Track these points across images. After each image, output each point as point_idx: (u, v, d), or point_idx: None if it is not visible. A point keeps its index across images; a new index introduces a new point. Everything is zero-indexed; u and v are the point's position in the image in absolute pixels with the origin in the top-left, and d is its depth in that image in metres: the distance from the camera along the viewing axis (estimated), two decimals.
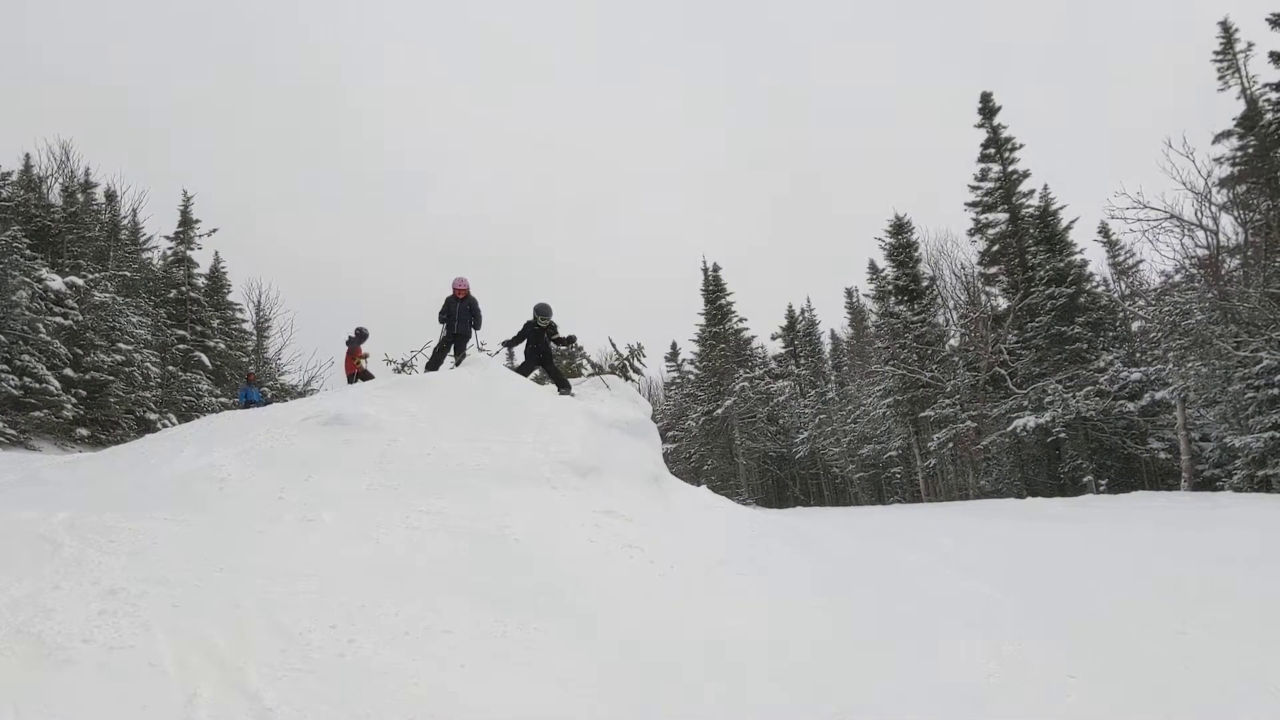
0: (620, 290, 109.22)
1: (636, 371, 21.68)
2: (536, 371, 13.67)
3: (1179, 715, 4.72)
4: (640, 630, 5.53)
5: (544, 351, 13.48)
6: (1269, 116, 24.87)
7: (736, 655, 5.34)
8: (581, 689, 4.42)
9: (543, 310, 13.37)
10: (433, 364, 14.34)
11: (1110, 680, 5.20)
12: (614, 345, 20.09)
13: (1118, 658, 5.62)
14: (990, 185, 33.15)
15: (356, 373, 17.03)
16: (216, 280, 37.38)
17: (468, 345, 15.16)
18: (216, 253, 38.07)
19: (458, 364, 14.30)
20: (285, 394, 32.46)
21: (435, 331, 15.73)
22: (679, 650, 5.32)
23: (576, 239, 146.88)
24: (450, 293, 15.21)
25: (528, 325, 13.49)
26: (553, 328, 13.46)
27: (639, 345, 21.49)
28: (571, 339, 13.99)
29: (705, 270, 46.47)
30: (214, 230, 35.35)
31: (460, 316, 15.10)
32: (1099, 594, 7.47)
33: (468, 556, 6.09)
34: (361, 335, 17.66)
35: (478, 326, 15.32)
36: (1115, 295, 33.61)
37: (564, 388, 12.93)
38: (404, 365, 19.31)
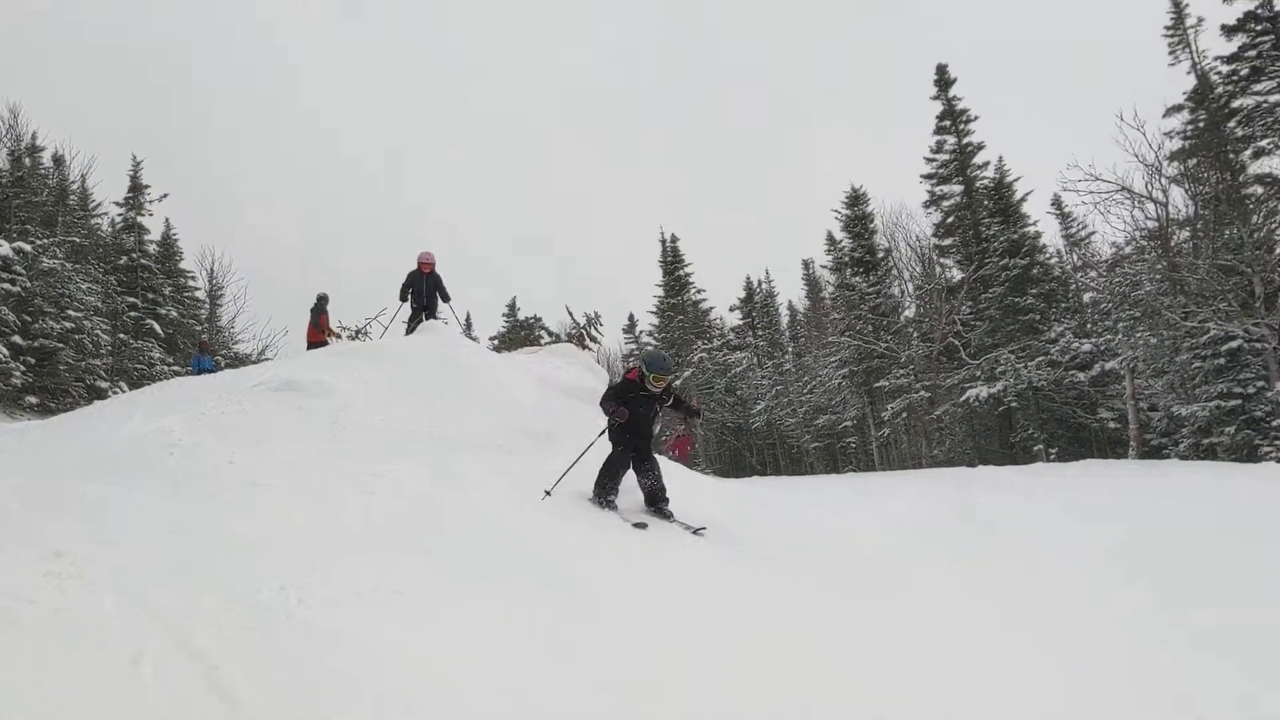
0: (579, 261, 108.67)
1: (594, 340, 21.68)
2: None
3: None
4: (596, 587, 5.62)
5: (645, 425, 8.50)
6: (1219, 90, 25.19)
7: (699, 609, 5.42)
8: (541, 645, 4.45)
9: (660, 365, 8.43)
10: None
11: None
12: (571, 314, 20.06)
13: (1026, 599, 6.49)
14: (945, 157, 33.39)
15: (317, 342, 16.19)
16: (168, 247, 36.73)
17: (442, 319, 15.15)
18: (168, 219, 37.36)
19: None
20: (239, 362, 31.99)
21: (393, 304, 15.73)
22: (631, 602, 5.46)
23: (528, 207, 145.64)
24: (415, 267, 15.18)
25: (625, 384, 8.57)
26: (669, 390, 8.56)
27: (596, 314, 21.50)
28: (698, 413, 9.94)
29: (663, 241, 46.54)
30: (164, 195, 34.61)
31: (428, 291, 15.10)
32: (1024, 552, 8.18)
33: (421, 521, 6.07)
34: (323, 301, 16.78)
35: (447, 299, 15.32)
36: (1067, 267, 34.04)
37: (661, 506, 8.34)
38: (358, 332, 19.15)
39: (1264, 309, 22.03)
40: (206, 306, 39.09)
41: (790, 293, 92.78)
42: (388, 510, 6.11)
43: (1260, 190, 24.61)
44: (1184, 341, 23.28)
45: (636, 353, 54.07)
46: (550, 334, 29.69)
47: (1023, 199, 31.61)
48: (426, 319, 14.83)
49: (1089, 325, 30.47)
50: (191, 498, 5.74)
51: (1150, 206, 24.79)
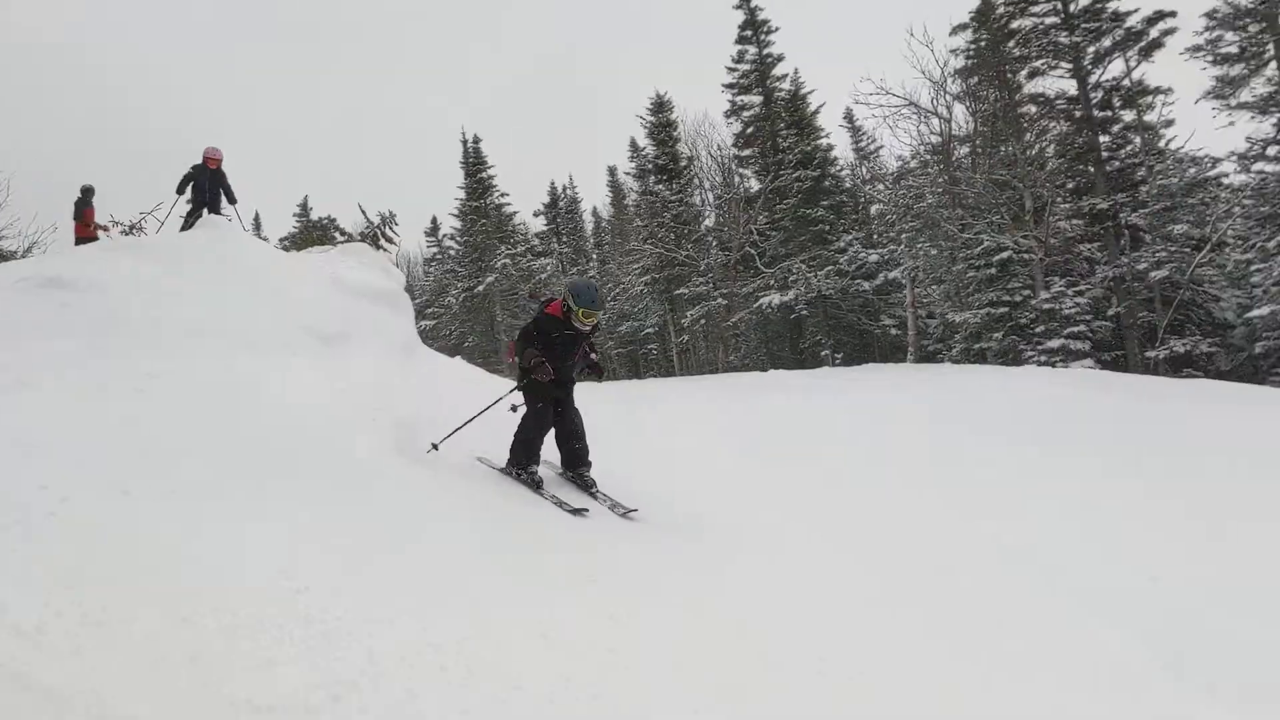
0: (378, 160, 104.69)
1: (389, 240, 20.93)
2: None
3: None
4: (378, 483, 5.57)
5: (567, 373, 7.35)
6: (1000, 10, 26.33)
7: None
8: (317, 535, 4.35)
9: (591, 297, 7.01)
10: None
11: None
12: (364, 213, 19.24)
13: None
14: (746, 68, 33.60)
15: (85, 238, 14.83)
16: None
17: (226, 217, 14.15)
18: None
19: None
20: (2, 259, 29.21)
21: (169, 199, 14.62)
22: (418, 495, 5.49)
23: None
24: (200, 161, 14.10)
25: (546, 320, 7.14)
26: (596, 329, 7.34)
27: (391, 213, 20.72)
28: (601, 372, 7.81)
29: (465, 142, 45.05)
30: None
31: (211, 188, 14.12)
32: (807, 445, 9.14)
33: (198, 418, 5.61)
34: (88, 193, 15.13)
35: (233, 200, 14.37)
36: (857, 180, 35.25)
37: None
38: (132, 228, 17.74)
39: (1033, 222, 23.52)
40: None
41: (595, 199, 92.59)
42: (162, 408, 5.61)
43: (1034, 109, 26.07)
44: (960, 252, 24.60)
45: (439, 256, 52.76)
46: (344, 234, 28.45)
47: (816, 111, 32.43)
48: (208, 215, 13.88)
49: (875, 236, 31.79)
50: None
51: (935, 122, 25.89)
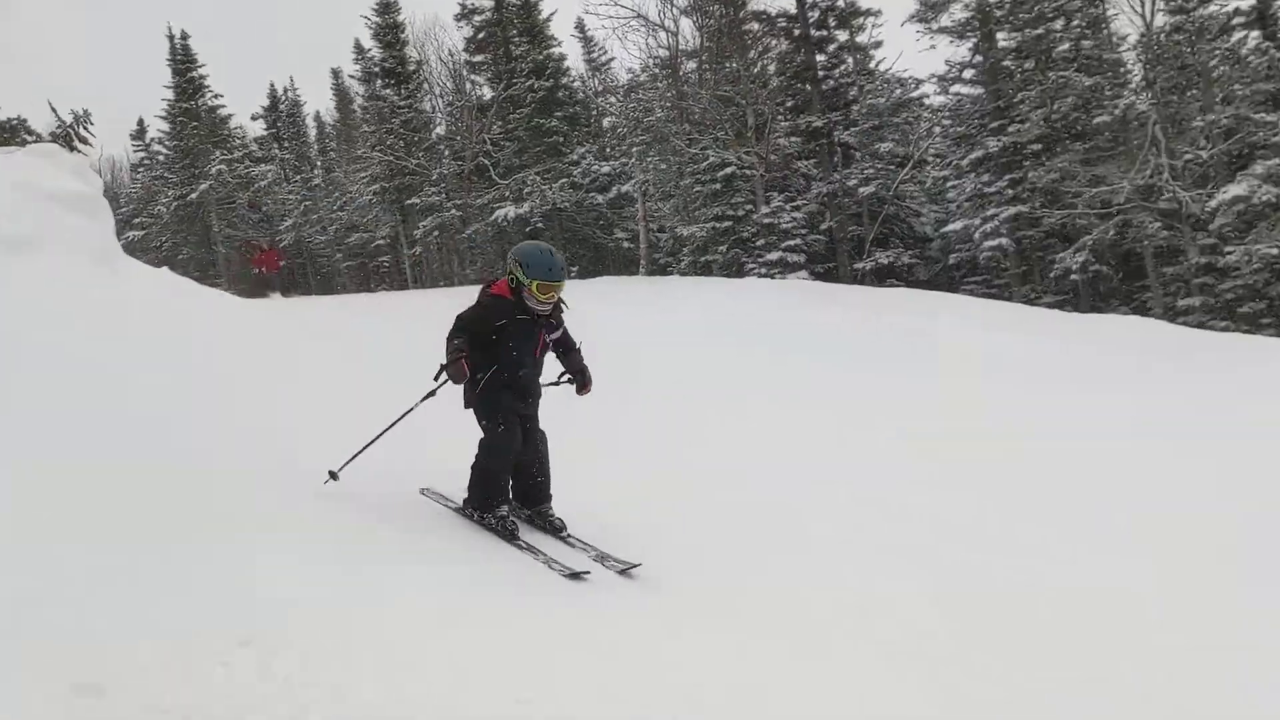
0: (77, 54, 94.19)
1: (83, 141, 19.00)
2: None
3: None
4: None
5: (531, 373, 5.33)
6: None
7: None
8: None
9: (547, 266, 4.99)
10: None
11: None
12: (54, 111, 17.30)
13: None
14: None
15: None
16: None
17: None
18: None
19: None
20: None
21: None
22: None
23: None
24: None
25: (491, 305, 5.11)
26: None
27: (85, 112, 18.73)
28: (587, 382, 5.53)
29: (171, 39, 41.23)
30: None
31: None
32: None
33: None
34: None
35: None
36: (590, 91, 35.27)
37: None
38: None
39: (754, 138, 24.45)
40: None
41: (319, 103, 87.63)
42: None
43: (757, 27, 26.88)
44: (688, 167, 25.26)
45: (147, 162, 48.51)
46: (32, 134, 25.62)
47: (548, 19, 31.98)
48: None
49: (608, 149, 32.03)
50: None
51: (663, 36, 26.20)
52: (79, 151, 17.48)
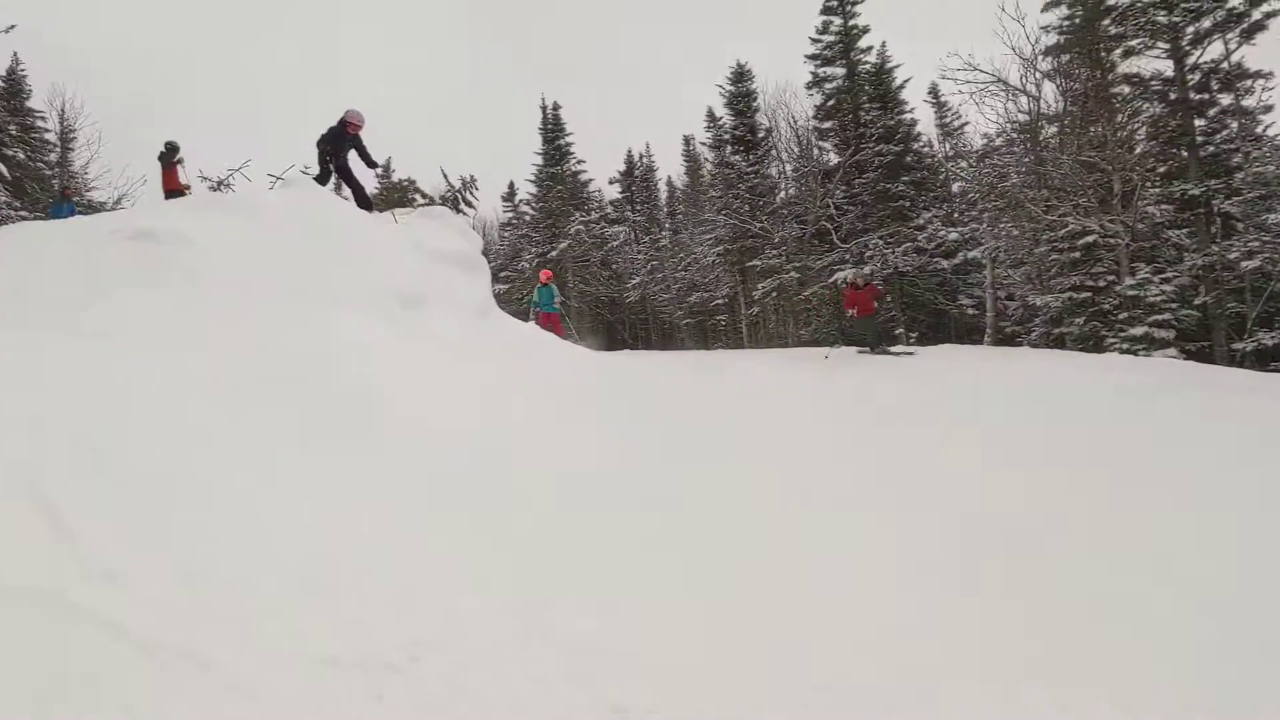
0: (458, 128, 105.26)
1: (469, 205, 21.09)
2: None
3: None
4: (458, 438, 5.61)
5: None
6: None
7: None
8: (397, 488, 4.46)
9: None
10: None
11: None
12: (445, 177, 19.38)
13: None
14: (831, 39, 33.04)
15: (175, 190, 14.78)
16: (14, 84, 33.76)
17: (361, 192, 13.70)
18: (15, 53, 34.19)
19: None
20: (93, 210, 29.97)
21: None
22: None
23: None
24: (336, 124, 13.28)
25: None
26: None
27: (472, 178, 20.83)
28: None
29: (544, 108, 45.17)
30: (11, 27, 31.49)
31: (341, 152, 13.22)
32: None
33: (280, 373, 5.75)
34: (173, 149, 15.15)
35: (372, 165, 13.61)
36: (939, 156, 34.60)
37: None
38: (220, 184, 18.11)
39: (1120, 206, 22.86)
40: (57, 149, 36.26)
41: (670, 169, 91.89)
42: (245, 362, 5.73)
43: (1127, 90, 25.26)
44: (1044, 234, 24.04)
45: (514, 221, 53.02)
46: (425, 196, 28.72)
47: (902, 85, 31.87)
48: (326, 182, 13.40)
49: (956, 214, 31.19)
50: (40, 347, 5.23)
51: (1023, 100, 25.31)
52: (464, 213, 19.31)
